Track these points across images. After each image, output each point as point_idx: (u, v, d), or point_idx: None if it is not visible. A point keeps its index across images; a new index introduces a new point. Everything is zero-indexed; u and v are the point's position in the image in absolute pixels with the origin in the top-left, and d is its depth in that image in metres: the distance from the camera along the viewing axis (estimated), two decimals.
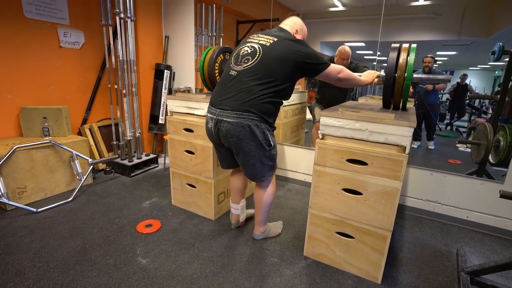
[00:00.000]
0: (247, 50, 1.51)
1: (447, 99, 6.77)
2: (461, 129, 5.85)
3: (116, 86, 2.95)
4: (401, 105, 1.68)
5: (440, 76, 1.78)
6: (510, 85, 2.48)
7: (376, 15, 3.22)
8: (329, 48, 5.13)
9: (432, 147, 4.30)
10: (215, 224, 2.06)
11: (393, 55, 1.58)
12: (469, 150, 3.73)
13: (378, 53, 3.20)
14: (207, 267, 1.60)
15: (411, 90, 3.35)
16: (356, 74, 1.68)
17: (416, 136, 4.30)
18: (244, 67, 1.47)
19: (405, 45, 1.64)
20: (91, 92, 3.12)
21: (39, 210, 2.18)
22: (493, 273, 1.54)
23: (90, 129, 3.07)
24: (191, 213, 2.21)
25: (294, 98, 3.10)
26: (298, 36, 1.62)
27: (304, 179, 2.85)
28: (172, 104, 2.11)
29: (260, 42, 1.51)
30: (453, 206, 2.21)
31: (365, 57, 5.92)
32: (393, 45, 1.68)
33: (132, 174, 2.92)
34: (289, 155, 2.90)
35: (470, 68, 7.34)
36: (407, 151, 1.32)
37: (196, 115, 2.01)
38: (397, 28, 4.21)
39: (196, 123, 1.99)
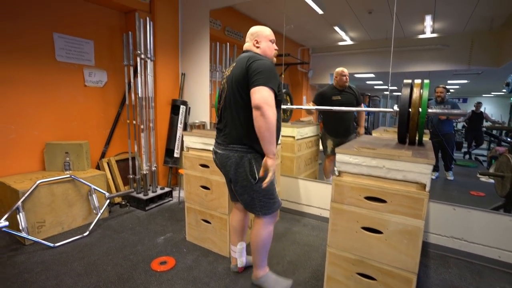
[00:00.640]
0: (222, 88, 1.62)
1: (463, 126, 6.66)
2: (480, 158, 5.67)
3: (134, 122, 3.08)
4: (417, 140, 1.67)
5: (456, 111, 1.78)
6: None
7: (384, 48, 3.31)
8: None
9: (451, 178, 4.16)
10: (230, 262, 2.01)
11: (406, 91, 1.60)
12: (491, 180, 3.59)
13: (391, 87, 3.23)
14: None
15: None
16: (271, 128, 1.34)
17: (433, 167, 4.18)
18: (222, 104, 1.59)
19: (418, 81, 1.66)
20: (111, 127, 3.26)
21: (56, 245, 2.20)
22: None
23: (108, 163, 3.16)
24: (206, 250, 2.17)
25: (307, 131, 3.13)
26: (260, 45, 1.55)
27: (320, 214, 2.78)
28: (188, 140, 2.17)
29: (227, 75, 1.58)
30: (482, 244, 2.08)
31: (375, 87, 5.99)
32: (405, 81, 1.71)
33: (147, 208, 2.94)
34: (303, 189, 2.86)
35: (483, 95, 7.26)
36: (427, 188, 1.29)
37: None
38: (407, 59, 4.29)
39: (212, 159, 2.02)
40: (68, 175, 2.48)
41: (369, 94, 5.31)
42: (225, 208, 2.00)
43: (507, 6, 3.29)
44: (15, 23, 2.46)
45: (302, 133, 3.00)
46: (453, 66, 4.35)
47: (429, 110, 1.60)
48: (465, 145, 5.98)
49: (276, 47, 1.64)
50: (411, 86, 1.63)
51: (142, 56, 2.91)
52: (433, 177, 4.14)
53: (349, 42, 4.72)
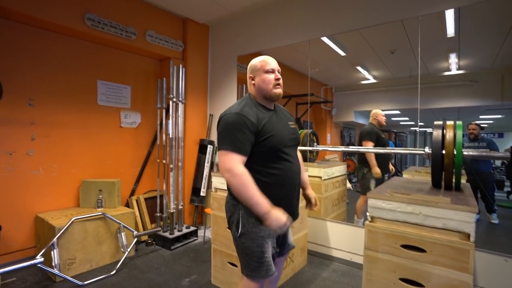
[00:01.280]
0: None
1: (503, 163, 6.22)
2: None
3: (164, 161, 3.20)
4: (454, 184, 1.59)
5: (497, 154, 1.68)
6: None
7: (408, 85, 3.31)
8: (363, 117, 5.22)
9: (496, 221, 3.81)
10: None
11: (438, 132, 1.56)
12: None
13: (420, 123, 3.16)
14: None
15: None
16: (255, 197, 1.20)
17: None
18: None
19: (450, 123, 1.62)
20: (141, 165, 3.41)
21: (84, 283, 2.23)
22: None
23: (137, 200, 3.25)
24: None
25: (334, 171, 3.08)
26: (255, 81, 1.36)
27: (351, 259, 2.62)
28: (216, 181, 2.21)
29: None
30: None
31: (401, 123, 5.88)
32: (436, 122, 1.68)
33: (172, 247, 2.93)
34: (332, 231, 2.75)
35: None
36: (472, 238, 1.20)
37: None
38: (433, 95, 4.22)
39: None
40: (100, 213, 2.58)
41: (395, 131, 5.21)
42: None
43: None
44: (65, 72, 2.77)
45: (329, 173, 2.95)
46: (484, 101, 4.21)
47: (465, 152, 1.54)
48: (507, 183, 5.54)
49: (277, 76, 1.34)
50: (443, 128, 1.59)
51: (174, 99, 3.12)
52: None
53: (372, 80, 4.77)
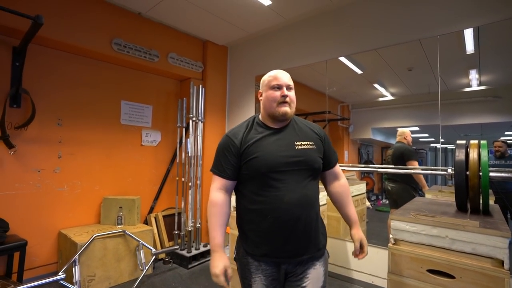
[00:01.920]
0: None
1: None
2: None
3: (183, 179, 3.25)
4: (481, 207, 1.52)
5: None
6: None
7: (426, 102, 3.25)
8: (381, 134, 5.14)
9: None
10: None
11: (461, 153, 1.51)
12: None
13: (442, 140, 3.08)
14: None
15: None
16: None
17: None
18: None
19: (474, 142, 1.58)
20: (160, 183, 3.47)
21: None
22: None
23: (155, 218, 3.29)
24: None
25: (352, 190, 3.02)
26: (262, 97, 1.26)
27: (372, 282, 2.51)
28: (234, 200, 2.21)
29: None
30: None
31: (421, 139, 5.74)
32: (458, 141, 1.63)
33: (189, 266, 2.91)
34: (352, 252, 2.66)
35: None
36: (506, 265, 1.14)
37: None
38: (454, 112, 4.11)
39: None
40: (121, 230, 2.62)
41: (415, 148, 5.08)
42: None
43: None
44: (91, 93, 2.92)
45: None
46: (509, 117, 4.06)
47: (492, 174, 1.48)
48: None
49: (284, 93, 1.18)
50: (466, 147, 1.54)
51: (194, 118, 3.20)
52: None
53: (389, 97, 4.73)
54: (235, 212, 1.28)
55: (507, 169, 1.51)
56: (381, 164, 4.55)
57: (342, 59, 3.14)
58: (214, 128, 3.71)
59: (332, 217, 2.80)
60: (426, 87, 3.53)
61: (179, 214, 3.21)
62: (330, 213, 2.80)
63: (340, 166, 1.36)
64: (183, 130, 3.36)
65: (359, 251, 1.26)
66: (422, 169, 3.28)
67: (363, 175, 5.19)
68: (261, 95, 1.26)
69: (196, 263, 3.00)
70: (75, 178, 2.81)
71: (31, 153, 2.54)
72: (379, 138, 5.11)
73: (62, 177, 2.73)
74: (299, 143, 1.18)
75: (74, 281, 2.24)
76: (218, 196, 1.19)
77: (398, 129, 3.90)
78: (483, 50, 2.98)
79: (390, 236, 1.43)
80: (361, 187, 3.27)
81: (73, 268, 2.27)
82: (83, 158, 2.86)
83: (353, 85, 4.55)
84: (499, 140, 3.85)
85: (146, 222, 3.30)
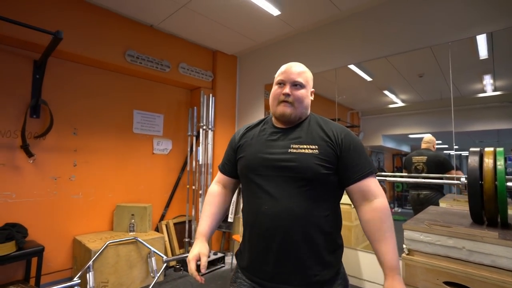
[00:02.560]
0: None
1: None
2: None
3: (194, 187, 3.29)
4: (499, 219, 1.47)
5: None
6: None
7: (438, 108, 3.20)
8: (392, 141, 5.07)
9: None
10: None
11: (474, 160, 1.46)
12: None
13: (455, 146, 3.02)
14: None
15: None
16: None
17: None
18: None
19: (489, 149, 1.54)
20: (171, 190, 3.51)
21: None
22: None
23: (166, 225, 3.32)
24: None
25: None
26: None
27: None
28: None
29: None
30: None
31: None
32: (471, 149, 1.59)
33: (200, 274, 2.91)
34: (364, 262, 2.61)
35: None
36: None
37: None
38: (468, 118, 4.03)
39: None
40: (133, 237, 2.66)
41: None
42: None
43: None
44: (105, 103, 3.01)
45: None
46: None
47: (510, 183, 1.43)
48: None
49: (285, 91, 1.04)
50: (481, 154, 1.49)
51: (204, 127, 3.25)
52: None
53: (400, 103, 4.68)
54: None
55: None
56: (393, 171, 4.47)
57: (352, 66, 3.15)
58: (224, 137, 3.74)
59: (344, 226, 2.76)
60: (438, 93, 3.49)
61: (190, 221, 3.23)
62: None
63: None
64: (194, 138, 3.41)
65: None
66: (433, 178, 3.22)
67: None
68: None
69: (207, 271, 3.00)
70: (89, 186, 2.87)
71: (48, 161, 2.62)
72: (390, 145, 5.03)
73: (77, 184, 2.80)
74: (296, 146, 0.99)
75: (88, 287, 2.28)
76: (214, 187, 1.21)
77: (424, 135, 3.83)
78: (497, 55, 2.93)
79: (404, 246, 1.40)
80: None
81: (87, 274, 2.31)
82: (97, 166, 2.93)
83: (362, 92, 4.52)
84: None
85: (157, 229, 3.33)
